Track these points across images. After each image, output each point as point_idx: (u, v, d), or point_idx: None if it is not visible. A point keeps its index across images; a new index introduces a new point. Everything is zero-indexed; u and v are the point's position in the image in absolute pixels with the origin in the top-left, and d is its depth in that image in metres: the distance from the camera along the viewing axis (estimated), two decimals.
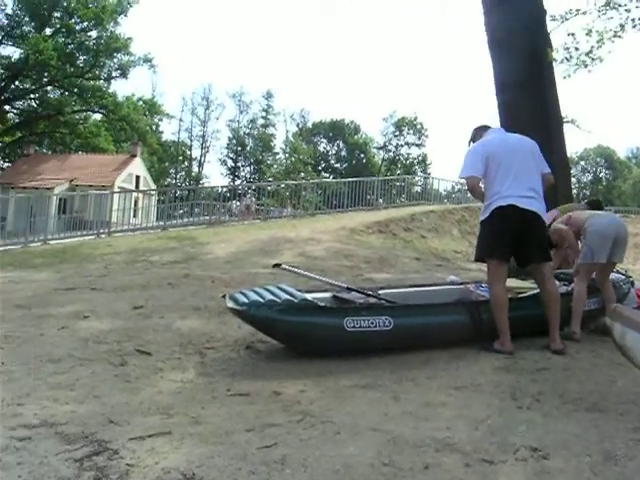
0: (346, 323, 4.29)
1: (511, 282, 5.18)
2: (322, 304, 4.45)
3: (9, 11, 43.90)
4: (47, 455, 2.71)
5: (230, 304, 4.35)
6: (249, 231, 12.77)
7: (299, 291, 4.63)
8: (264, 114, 71.02)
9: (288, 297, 4.34)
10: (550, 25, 8.90)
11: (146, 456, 2.71)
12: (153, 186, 38.78)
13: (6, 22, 43.98)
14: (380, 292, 5.15)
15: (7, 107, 46.16)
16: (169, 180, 65.87)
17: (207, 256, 9.36)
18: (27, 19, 44.01)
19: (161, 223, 15.71)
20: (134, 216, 18.34)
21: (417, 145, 73.93)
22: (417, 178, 43.07)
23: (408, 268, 9.41)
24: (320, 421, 3.18)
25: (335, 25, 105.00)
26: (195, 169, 70.81)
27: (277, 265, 5.04)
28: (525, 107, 7.86)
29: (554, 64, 8.78)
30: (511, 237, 4.57)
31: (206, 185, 56.69)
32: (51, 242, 12.01)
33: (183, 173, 70.62)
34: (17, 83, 44.45)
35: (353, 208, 18.01)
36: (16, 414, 3.22)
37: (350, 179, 20.84)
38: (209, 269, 8.09)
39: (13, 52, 44.30)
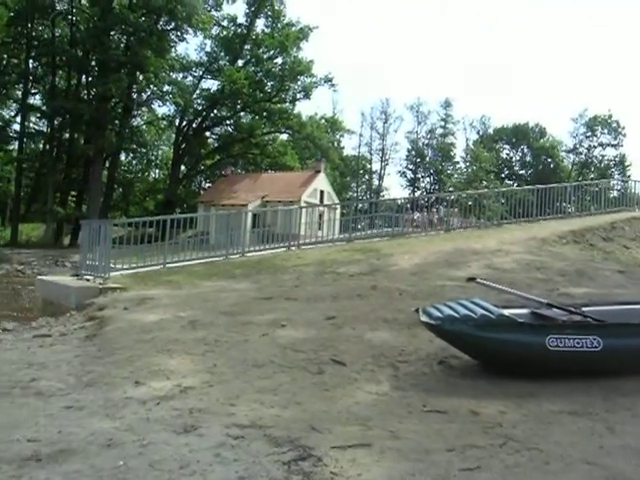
0: (548, 342, 3.99)
1: None
2: (521, 320, 4.19)
3: (208, 49, 49.56)
4: (258, 455, 2.90)
5: (424, 318, 4.29)
6: (433, 242, 12.58)
7: (495, 306, 4.41)
8: (443, 123, 70.14)
9: (484, 312, 4.16)
10: None
11: (348, 466, 2.76)
12: (336, 200, 40.28)
13: (206, 59, 49.58)
14: (584, 309, 4.71)
15: (207, 133, 51.64)
16: (350, 193, 67.99)
17: (392, 268, 9.40)
18: (222, 54, 49.08)
19: (345, 235, 16.19)
20: (319, 229, 19.11)
21: (613, 146, 67.22)
22: (614, 182, 39.11)
23: (611, 282, 8.51)
24: (525, 447, 2.98)
25: (513, 24, 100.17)
26: (375, 182, 72.24)
27: (472, 279, 4.87)
28: None
29: None
30: None
31: (386, 197, 57.66)
32: (248, 254, 13.01)
33: (364, 186, 72.41)
34: (215, 111, 49.53)
35: (542, 217, 16.83)
36: (229, 413, 3.50)
37: (538, 186, 19.57)
38: (395, 281, 8.10)
39: (212, 84, 49.67)
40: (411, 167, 70.20)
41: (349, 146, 78.74)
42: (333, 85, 49.55)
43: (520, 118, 73.58)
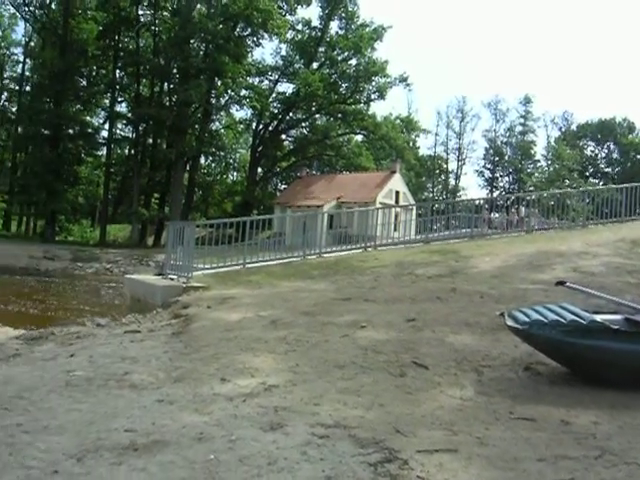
0: None
1: None
2: (616, 327, 3.99)
3: (283, 53, 50.53)
4: (344, 455, 2.93)
5: (510, 322, 4.17)
6: (513, 244, 12.21)
7: (585, 311, 4.23)
8: (522, 120, 67.92)
9: (574, 317, 4.00)
10: None
11: (435, 471, 2.74)
12: (412, 200, 39.86)
13: (281, 63, 50.51)
14: None
15: (283, 136, 52.54)
16: (426, 194, 67.12)
17: (472, 270, 9.20)
18: (297, 57, 49.83)
19: (422, 237, 15.98)
20: (395, 230, 18.95)
21: None
22: None
23: None
24: (623, 461, 2.83)
25: (594, 13, 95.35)
26: (452, 182, 70.98)
27: (561, 283, 4.68)
28: None
29: None
30: None
31: (463, 197, 56.61)
32: (324, 255, 13.12)
33: (440, 186, 71.30)
34: (291, 114, 50.36)
35: (631, 217, 15.94)
36: (313, 413, 3.55)
37: (626, 185, 18.53)
38: (475, 283, 7.93)
39: (287, 88, 50.59)
40: (489, 166, 68.43)
41: (424, 146, 77.82)
42: (408, 85, 49.29)
43: (606, 113, 70.18)
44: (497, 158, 67.77)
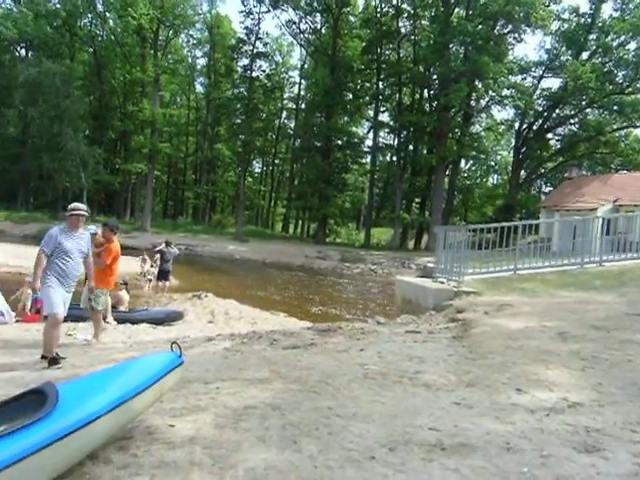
0: None
1: None
2: None
3: (548, 46, 47.50)
4: None
5: None
6: None
7: None
8: None
9: None
10: None
11: None
12: None
13: (546, 57, 47.51)
14: None
15: (549, 135, 49.24)
16: None
17: None
18: (564, 49, 46.22)
19: None
20: None
21: None
22: None
23: None
24: None
25: None
26: None
27: None
28: None
29: None
30: None
31: None
32: (605, 264, 11.87)
33: None
34: (557, 111, 46.93)
35: None
36: (633, 441, 3.21)
37: None
38: None
39: (553, 83, 47.50)
40: None
41: None
42: None
43: None
44: None
